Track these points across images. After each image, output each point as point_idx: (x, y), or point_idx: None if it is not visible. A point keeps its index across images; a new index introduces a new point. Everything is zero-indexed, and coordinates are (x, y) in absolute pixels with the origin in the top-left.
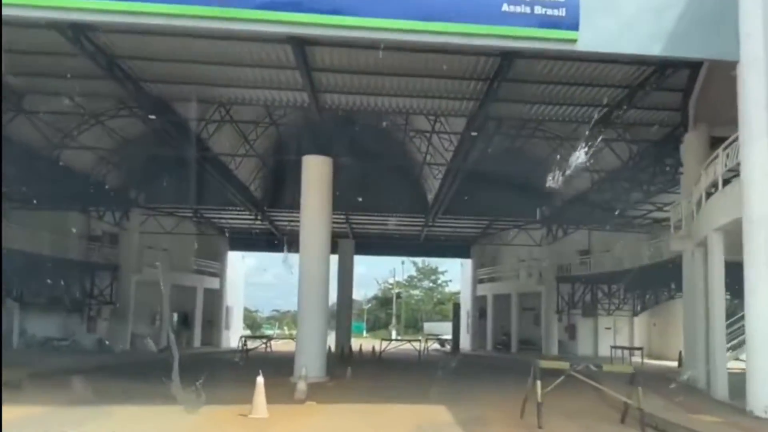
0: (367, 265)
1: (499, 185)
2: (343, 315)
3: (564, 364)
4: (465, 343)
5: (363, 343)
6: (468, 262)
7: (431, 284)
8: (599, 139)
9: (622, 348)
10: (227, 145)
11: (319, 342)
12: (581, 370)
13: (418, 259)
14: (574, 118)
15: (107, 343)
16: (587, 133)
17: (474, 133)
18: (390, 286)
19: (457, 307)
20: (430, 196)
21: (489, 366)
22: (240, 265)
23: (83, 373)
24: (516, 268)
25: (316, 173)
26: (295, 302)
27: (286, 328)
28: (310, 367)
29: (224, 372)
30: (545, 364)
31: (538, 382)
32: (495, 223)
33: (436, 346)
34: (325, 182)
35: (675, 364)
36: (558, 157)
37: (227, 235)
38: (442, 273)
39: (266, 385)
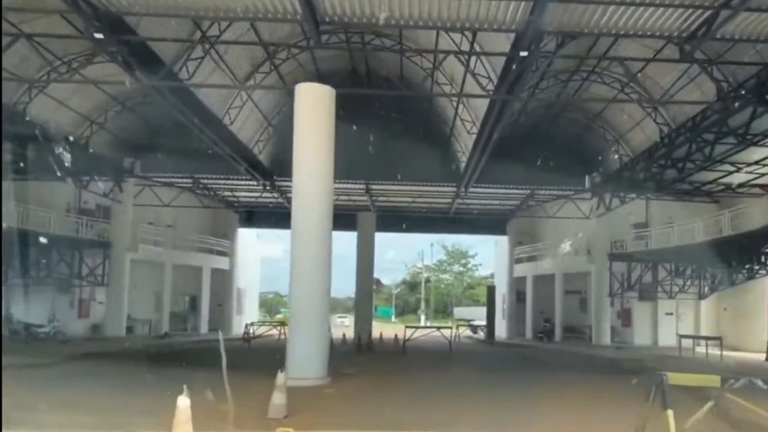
0: (397, 249)
1: (544, 147)
2: (363, 299)
3: (710, 378)
4: (500, 330)
5: (388, 329)
6: (503, 240)
7: (461, 268)
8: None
9: (694, 337)
10: (218, 97)
11: (317, 334)
12: (740, 387)
13: (448, 243)
14: (657, 30)
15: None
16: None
17: (524, 53)
18: (419, 270)
19: (491, 290)
20: (462, 159)
21: (536, 360)
22: (254, 243)
23: (37, 369)
24: (560, 244)
25: (312, 107)
26: (332, 288)
27: None
28: (306, 366)
29: (208, 366)
30: (678, 378)
31: (670, 413)
32: (537, 193)
33: (469, 332)
34: (324, 120)
35: (760, 356)
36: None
37: (237, 210)
38: (472, 257)
39: (244, 390)
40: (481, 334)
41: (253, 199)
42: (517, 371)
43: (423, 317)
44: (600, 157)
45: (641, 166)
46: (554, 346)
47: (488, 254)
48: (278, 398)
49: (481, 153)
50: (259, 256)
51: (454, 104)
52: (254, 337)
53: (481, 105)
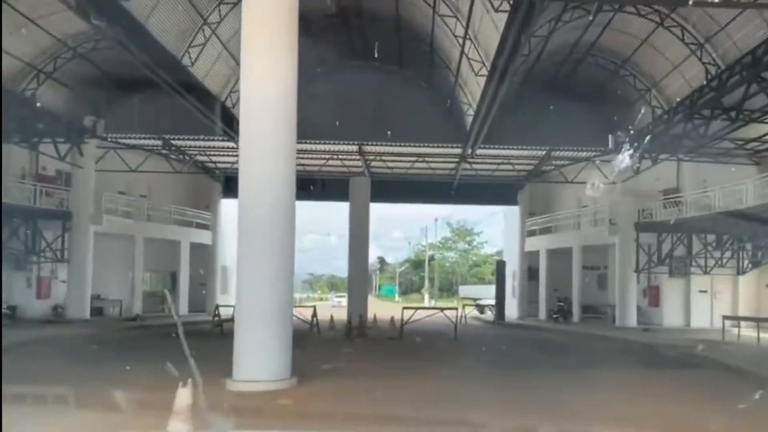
0: (402, 227)
1: (562, 100)
2: (357, 276)
3: None
4: (510, 309)
5: (389, 310)
6: (514, 211)
7: (466, 246)
8: None
9: (744, 319)
10: (174, 33)
11: (276, 323)
12: None
13: (453, 220)
14: None
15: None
16: None
17: None
18: (423, 248)
19: (501, 265)
20: (470, 113)
21: (562, 347)
22: None
23: None
24: (579, 214)
25: (265, 11)
26: (336, 266)
27: (319, 291)
28: (257, 365)
29: (157, 356)
30: None
31: None
32: (553, 155)
33: (475, 313)
34: (283, 29)
35: None
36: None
37: (218, 177)
38: (478, 234)
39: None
40: (490, 314)
41: (233, 165)
42: (547, 365)
43: (427, 296)
44: (628, 111)
45: (680, 118)
46: (574, 328)
47: (494, 232)
48: (177, 429)
49: (491, 101)
50: None
51: (460, 42)
52: (229, 320)
53: (492, 37)
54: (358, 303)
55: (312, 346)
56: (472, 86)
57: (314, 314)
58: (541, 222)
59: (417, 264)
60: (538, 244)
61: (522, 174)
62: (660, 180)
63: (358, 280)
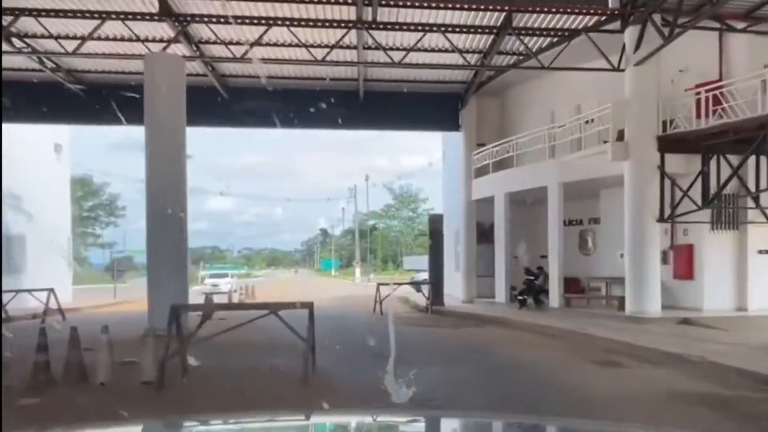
0: (328, 188)
1: None
2: (161, 246)
3: None
4: (454, 287)
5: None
6: (456, 140)
7: (411, 213)
8: None
9: None
10: None
11: None
12: None
13: (396, 186)
14: None
15: None
16: None
17: None
18: (365, 217)
19: (436, 222)
20: None
21: (592, 403)
22: (52, 162)
23: None
24: (555, 133)
25: None
26: (278, 239)
27: (257, 267)
28: None
29: None
30: None
31: None
32: (516, 24)
33: (410, 290)
34: None
35: None
36: None
37: None
38: (424, 201)
39: None
40: (425, 293)
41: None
42: None
43: (358, 270)
44: None
45: None
46: (560, 323)
47: (441, 198)
48: None
49: None
50: (66, 182)
51: None
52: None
53: None
54: (170, 291)
55: None
56: None
57: None
58: (496, 152)
59: (363, 234)
60: (493, 186)
61: (464, 76)
62: (689, 71)
63: (170, 251)
